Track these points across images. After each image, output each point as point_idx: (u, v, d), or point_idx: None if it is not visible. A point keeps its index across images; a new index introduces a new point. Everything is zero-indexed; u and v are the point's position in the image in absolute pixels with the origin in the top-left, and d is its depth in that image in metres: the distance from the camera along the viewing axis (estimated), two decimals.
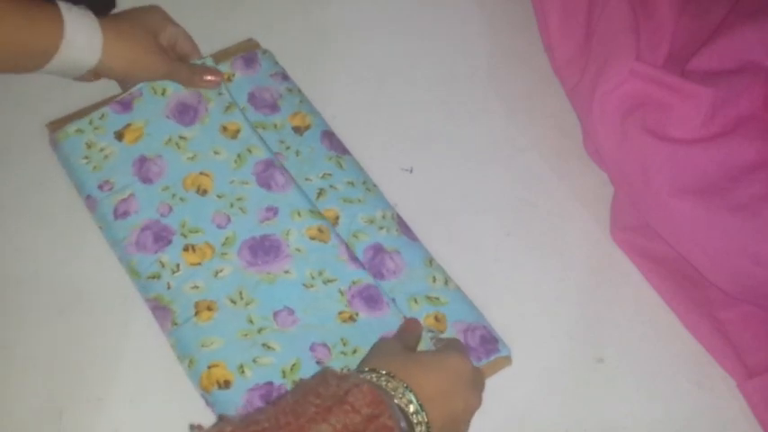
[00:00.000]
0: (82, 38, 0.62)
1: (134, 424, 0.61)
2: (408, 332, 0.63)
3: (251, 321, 0.63)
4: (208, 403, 0.61)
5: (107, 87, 0.74)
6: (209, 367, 0.61)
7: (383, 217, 0.69)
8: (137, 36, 0.66)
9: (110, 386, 0.62)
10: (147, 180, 0.69)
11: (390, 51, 0.82)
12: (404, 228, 0.70)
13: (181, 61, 0.72)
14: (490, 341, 0.64)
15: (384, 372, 0.52)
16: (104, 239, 0.67)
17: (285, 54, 0.78)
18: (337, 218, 0.69)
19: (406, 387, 0.52)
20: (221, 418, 0.49)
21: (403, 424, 0.50)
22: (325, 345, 0.63)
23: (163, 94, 0.72)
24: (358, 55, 0.81)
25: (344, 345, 0.63)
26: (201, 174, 0.70)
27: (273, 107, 0.74)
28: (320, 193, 0.70)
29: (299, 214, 0.68)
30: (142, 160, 0.70)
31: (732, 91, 0.67)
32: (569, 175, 0.75)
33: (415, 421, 0.51)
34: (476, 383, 0.57)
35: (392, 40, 0.83)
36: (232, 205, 0.68)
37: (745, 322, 0.66)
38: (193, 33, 0.72)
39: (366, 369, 0.53)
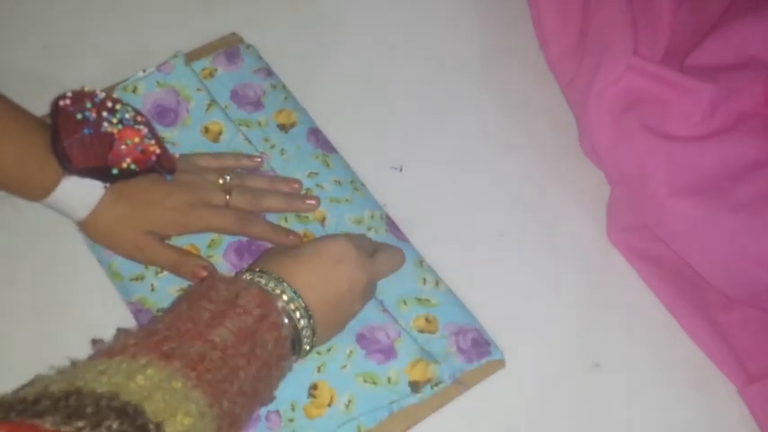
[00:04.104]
0: (69, 203, 0.61)
1: None
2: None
3: None
4: None
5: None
6: None
7: (371, 217, 0.68)
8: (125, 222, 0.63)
9: None
10: None
11: (379, 45, 0.81)
12: (393, 228, 0.69)
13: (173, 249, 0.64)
14: (482, 344, 0.63)
15: (258, 269, 0.55)
16: (83, 241, 0.65)
17: (269, 49, 0.77)
18: (324, 218, 0.68)
19: (278, 279, 0.54)
20: (119, 331, 0.51)
21: (286, 320, 0.53)
22: None
23: (134, 91, 0.71)
24: (345, 49, 0.80)
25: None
26: None
27: (257, 104, 0.73)
28: (306, 192, 0.69)
29: (285, 219, 0.67)
30: None
31: (732, 86, 0.67)
32: (564, 174, 0.75)
33: (291, 308, 0.54)
34: (360, 262, 0.58)
35: (381, 33, 0.82)
36: None
37: (746, 326, 0.66)
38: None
39: (245, 270, 0.56)
